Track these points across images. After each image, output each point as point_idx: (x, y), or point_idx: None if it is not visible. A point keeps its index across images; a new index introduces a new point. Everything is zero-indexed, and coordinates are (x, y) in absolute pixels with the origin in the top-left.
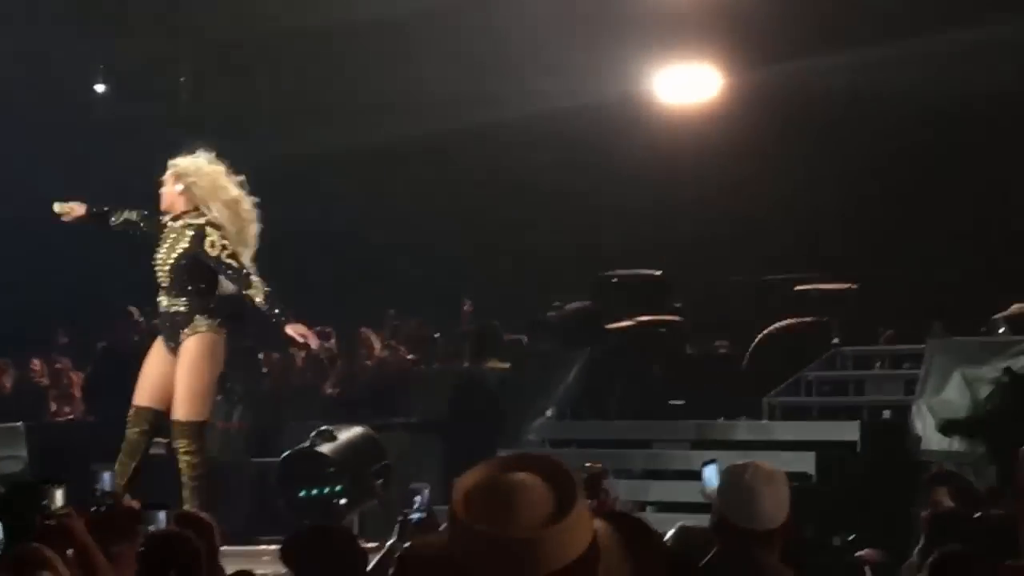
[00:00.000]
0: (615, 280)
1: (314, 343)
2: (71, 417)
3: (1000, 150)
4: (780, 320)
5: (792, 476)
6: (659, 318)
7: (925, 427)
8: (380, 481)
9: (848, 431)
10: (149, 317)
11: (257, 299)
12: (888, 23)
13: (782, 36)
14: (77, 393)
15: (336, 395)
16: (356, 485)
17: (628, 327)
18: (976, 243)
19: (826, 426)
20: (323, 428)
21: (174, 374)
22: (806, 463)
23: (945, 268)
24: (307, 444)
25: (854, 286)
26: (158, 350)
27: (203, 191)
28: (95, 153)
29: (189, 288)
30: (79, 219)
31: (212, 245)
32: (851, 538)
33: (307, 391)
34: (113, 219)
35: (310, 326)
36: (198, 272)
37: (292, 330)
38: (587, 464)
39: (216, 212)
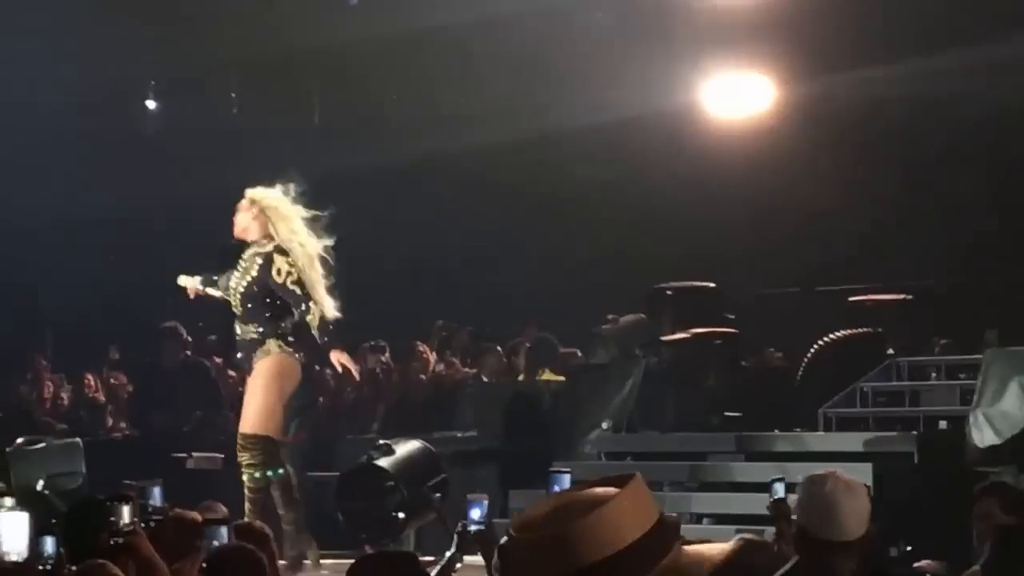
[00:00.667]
0: (669, 292)
1: (354, 373)
2: (128, 433)
3: None
4: (834, 331)
5: None
6: (713, 330)
7: (982, 437)
8: (438, 495)
9: (904, 442)
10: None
11: (313, 325)
12: (945, 32)
13: (835, 46)
14: None
15: (392, 409)
16: (414, 498)
17: (682, 339)
18: None
19: (882, 437)
20: (381, 442)
21: None
22: (862, 474)
23: (1000, 276)
24: (365, 458)
25: (908, 296)
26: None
27: (274, 219)
28: (148, 168)
29: (261, 315)
30: (199, 294)
31: (279, 272)
32: (909, 549)
33: (363, 405)
34: (220, 283)
35: (363, 340)
36: (268, 298)
37: (335, 357)
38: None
39: (285, 238)
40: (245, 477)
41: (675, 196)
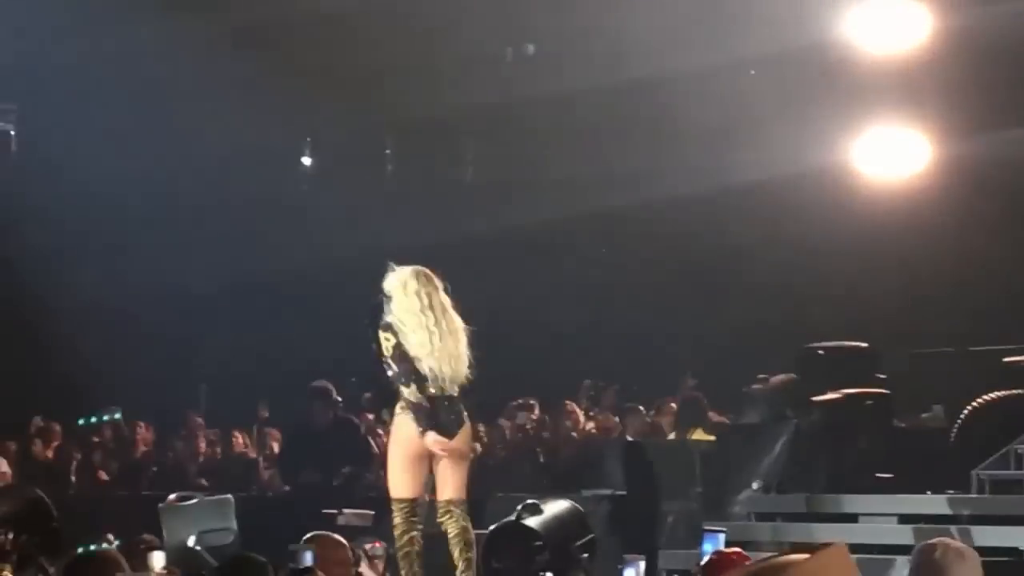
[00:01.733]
0: (820, 352)
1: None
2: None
3: None
4: (989, 392)
5: (1003, 551)
6: (865, 390)
7: None
8: (586, 555)
9: None
10: (356, 391)
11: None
12: None
13: (989, 105)
14: None
15: (542, 467)
16: (562, 559)
17: (834, 399)
18: None
19: None
20: (529, 501)
21: None
22: (1017, 538)
23: None
24: (514, 517)
25: None
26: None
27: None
28: (304, 225)
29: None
30: None
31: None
32: None
33: (513, 463)
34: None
35: (514, 397)
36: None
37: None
38: None
39: (396, 317)
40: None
41: (828, 256)
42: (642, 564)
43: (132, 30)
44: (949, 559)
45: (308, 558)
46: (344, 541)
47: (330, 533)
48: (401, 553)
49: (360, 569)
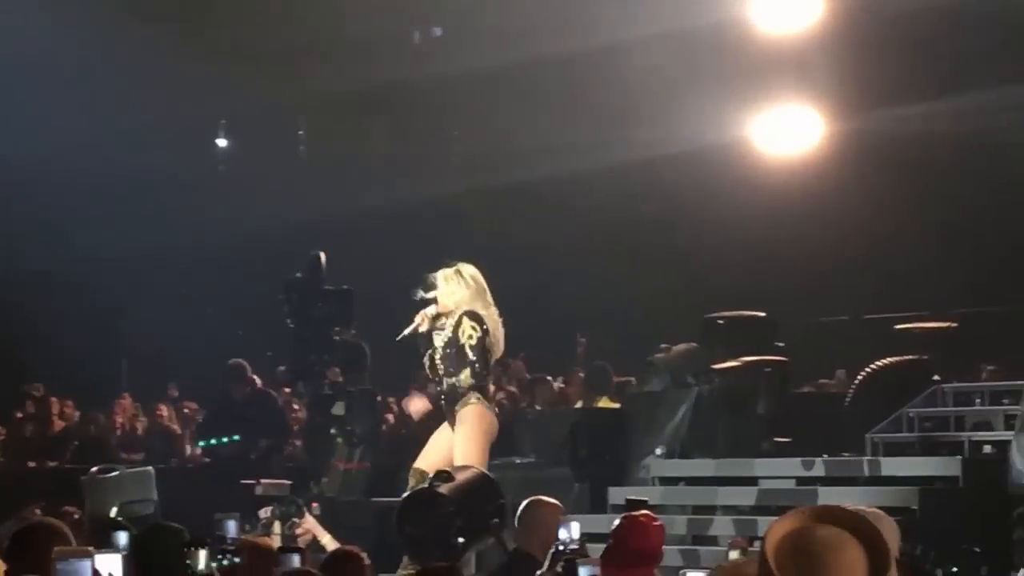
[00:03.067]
0: (721, 321)
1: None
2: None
3: None
4: (882, 358)
5: (896, 511)
6: (764, 358)
7: None
8: (496, 520)
9: (950, 466)
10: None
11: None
12: (990, 67)
13: (882, 81)
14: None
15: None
16: (473, 524)
17: (734, 367)
18: None
19: (928, 461)
20: (440, 469)
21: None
22: (909, 498)
23: None
24: (426, 485)
25: (953, 324)
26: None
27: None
28: (218, 206)
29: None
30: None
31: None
32: (954, 570)
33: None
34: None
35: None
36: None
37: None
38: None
39: (488, 314)
40: None
41: (728, 229)
42: (575, 525)
43: (49, 5)
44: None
45: (231, 528)
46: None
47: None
48: None
49: (306, 525)
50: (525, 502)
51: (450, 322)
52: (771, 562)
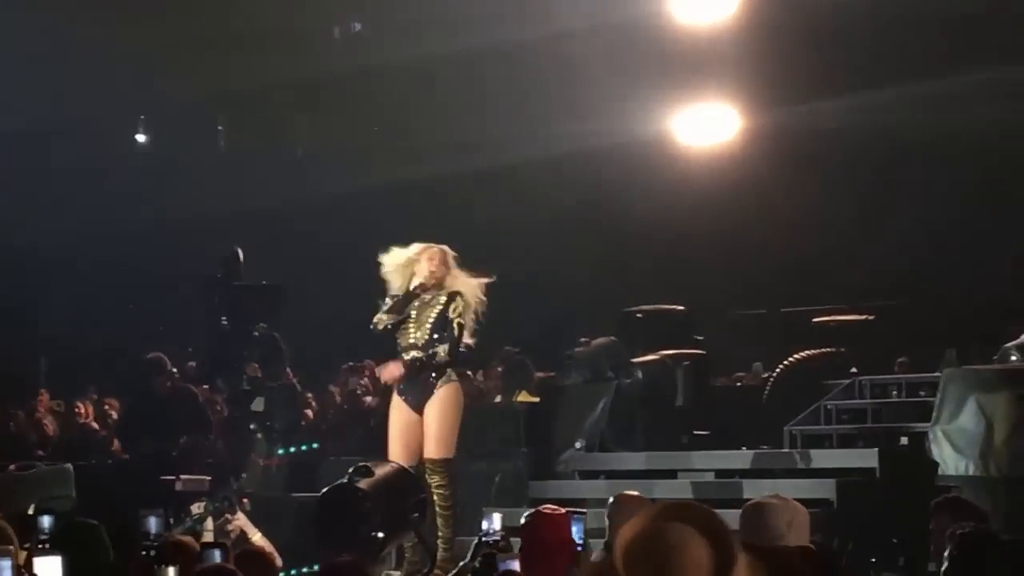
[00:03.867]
0: (639, 315)
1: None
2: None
3: (1006, 187)
4: (799, 351)
5: (814, 502)
6: (682, 351)
7: (940, 453)
8: (416, 515)
9: (867, 458)
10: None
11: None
12: (900, 64)
13: (798, 77)
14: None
15: (373, 431)
16: (392, 518)
17: (652, 360)
18: (988, 275)
19: (845, 453)
20: (360, 464)
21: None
22: (827, 490)
23: (959, 298)
24: (345, 479)
25: (870, 317)
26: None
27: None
28: (137, 200)
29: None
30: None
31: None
32: (872, 561)
33: (344, 428)
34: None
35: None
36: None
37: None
38: None
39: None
40: (437, 498)
41: (647, 223)
42: (497, 516)
43: None
44: (783, 510)
45: (153, 524)
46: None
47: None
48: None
49: (237, 522)
50: (612, 497)
51: (439, 297)
52: (619, 564)
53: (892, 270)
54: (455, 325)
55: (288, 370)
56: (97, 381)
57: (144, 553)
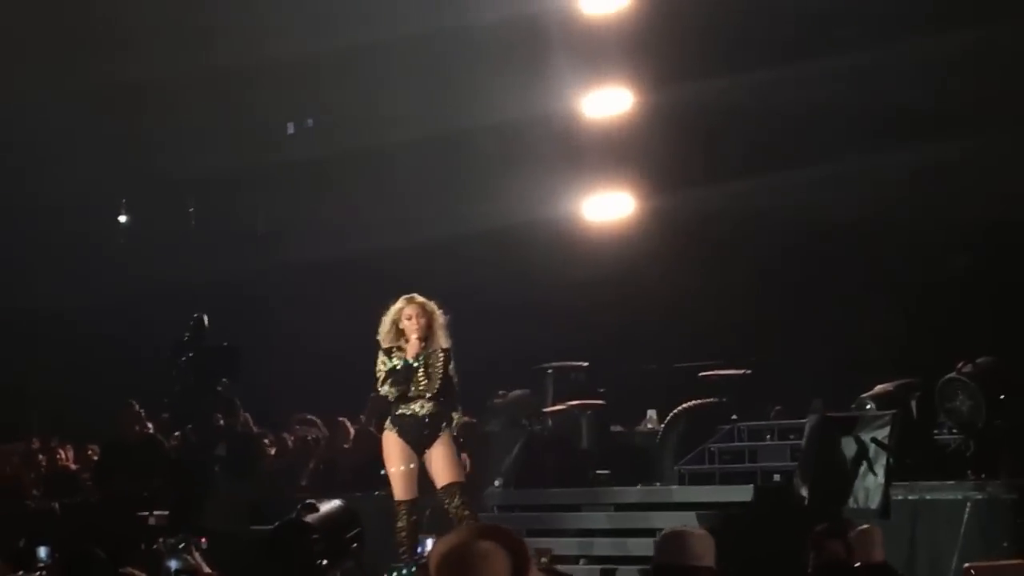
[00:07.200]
0: (549, 370)
1: None
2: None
3: (863, 260)
4: (688, 401)
5: None
6: (586, 402)
7: (808, 488)
8: (355, 545)
9: (744, 493)
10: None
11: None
12: (773, 153)
13: (685, 166)
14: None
15: (320, 472)
16: (335, 548)
17: (560, 410)
18: (848, 336)
19: (726, 489)
20: (308, 501)
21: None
22: (711, 521)
23: (822, 356)
24: (294, 515)
25: (748, 371)
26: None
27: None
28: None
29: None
30: None
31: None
32: None
33: (297, 469)
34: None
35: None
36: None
37: None
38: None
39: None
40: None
41: (556, 290)
42: (430, 541)
43: None
44: (704, 537)
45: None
46: None
47: None
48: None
49: (192, 561)
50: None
51: (438, 353)
52: (432, 571)
53: (766, 331)
54: (455, 383)
55: (248, 417)
56: (80, 427)
57: None
